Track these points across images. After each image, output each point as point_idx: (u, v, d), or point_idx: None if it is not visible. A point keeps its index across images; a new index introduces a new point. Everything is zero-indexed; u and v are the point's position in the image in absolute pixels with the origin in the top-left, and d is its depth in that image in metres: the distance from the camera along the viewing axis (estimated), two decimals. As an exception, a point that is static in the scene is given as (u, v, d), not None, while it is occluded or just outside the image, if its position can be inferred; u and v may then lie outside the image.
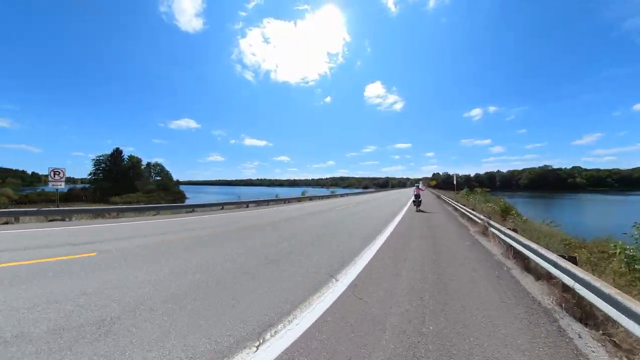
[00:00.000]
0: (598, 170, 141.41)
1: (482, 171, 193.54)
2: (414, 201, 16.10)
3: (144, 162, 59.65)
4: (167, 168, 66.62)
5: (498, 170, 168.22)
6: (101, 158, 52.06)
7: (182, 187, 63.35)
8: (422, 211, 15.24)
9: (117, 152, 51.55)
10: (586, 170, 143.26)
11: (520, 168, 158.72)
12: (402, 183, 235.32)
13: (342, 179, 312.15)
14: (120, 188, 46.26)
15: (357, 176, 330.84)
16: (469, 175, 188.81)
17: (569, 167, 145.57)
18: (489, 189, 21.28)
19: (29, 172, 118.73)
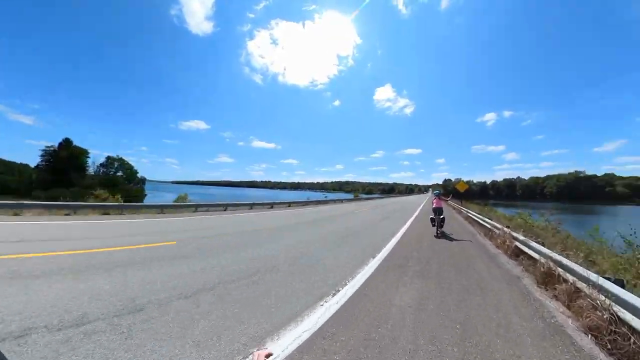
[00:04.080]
0: (638, 178, 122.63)
1: (493, 179, 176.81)
2: (432, 218, 9.23)
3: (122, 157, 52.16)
4: (177, 167, 59.07)
5: (519, 177, 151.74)
6: (49, 149, 44.46)
7: (188, 188, 55.73)
8: (450, 238, 8.28)
9: (66, 143, 43.80)
10: (622, 178, 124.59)
11: (536, 175, 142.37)
12: (410, 189, 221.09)
13: (347, 183, 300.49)
14: (60, 182, 38.39)
15: (364, 181, 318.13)
16: (485, 182, 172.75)
17: (598, 174, 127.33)
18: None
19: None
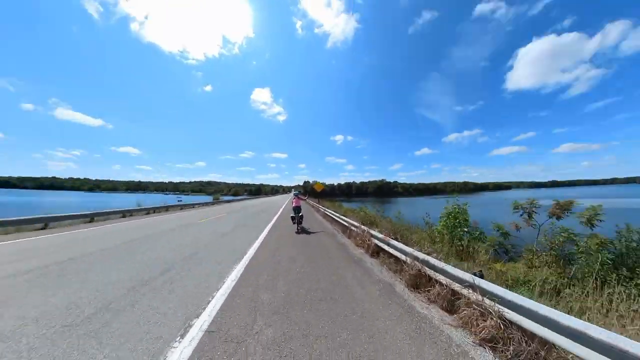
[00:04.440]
0: (409, 184, 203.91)
1: (338, 182, 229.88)
2: (292, 217, 9.97)
3: None
4: None
5: (353, 181, 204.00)
6: None
7: None
8: (308, 232, 9.11)
9: None
10: (400, 183, 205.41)
11: (362, 180, 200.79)
12: (275, 190, 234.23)
13: (210, 183, 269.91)
14: None
15: (230, 182, 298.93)
16: (333, 184, 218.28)
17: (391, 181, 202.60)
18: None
19: None
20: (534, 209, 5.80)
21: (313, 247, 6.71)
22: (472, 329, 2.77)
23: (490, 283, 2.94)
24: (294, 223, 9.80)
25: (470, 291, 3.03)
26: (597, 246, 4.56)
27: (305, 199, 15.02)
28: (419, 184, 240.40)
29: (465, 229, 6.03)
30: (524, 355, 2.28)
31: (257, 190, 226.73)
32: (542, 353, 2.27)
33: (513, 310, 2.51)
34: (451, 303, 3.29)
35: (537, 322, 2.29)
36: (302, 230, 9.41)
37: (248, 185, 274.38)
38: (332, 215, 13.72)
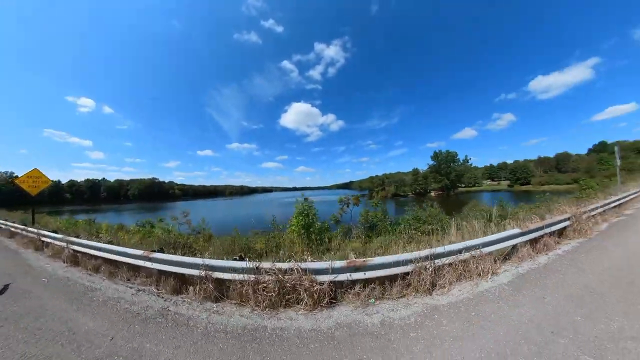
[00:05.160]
0: (186, 185, 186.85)
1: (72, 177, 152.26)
2: None
3: None
4: None
5: (104, 179, 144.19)
6: None
7: None
8: None
9: None
10: (177, 184, 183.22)
11: (126, 179, 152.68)
12: None
13: None
14: None
15: None
16: (59, 181, 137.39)
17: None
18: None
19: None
20: (348, 201, 8.45)
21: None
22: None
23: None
24: None
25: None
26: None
27: None
28: (200, 185, 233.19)
29: (319, 223, 7.14)
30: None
31: None
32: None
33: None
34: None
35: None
36: None
37: None
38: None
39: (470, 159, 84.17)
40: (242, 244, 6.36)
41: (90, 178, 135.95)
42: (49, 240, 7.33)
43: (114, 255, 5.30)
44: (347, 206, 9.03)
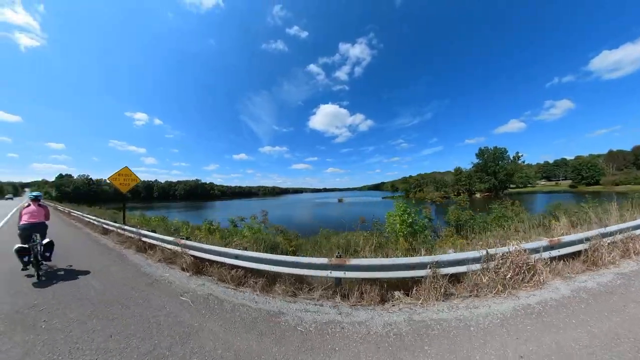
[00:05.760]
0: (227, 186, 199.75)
1: None
2: (21, 248, 4.87)
3: None
4: None
5: (156, 180, 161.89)
6: None
7: None
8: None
9: None
10: (217, 185, 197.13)
11: (173, 180, 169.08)
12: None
13: None
14: None
15: None
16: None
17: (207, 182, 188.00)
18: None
19: None
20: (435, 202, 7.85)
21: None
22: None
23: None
24: (24, 262, 4.90)
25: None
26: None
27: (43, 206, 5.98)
28: (236, 186, 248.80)
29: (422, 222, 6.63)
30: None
31: None
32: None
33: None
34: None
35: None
36: (53, 276, 4.83)
37: None
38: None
39: (521, 155, 75.83)
40: (340, 244, 6.13)
41: (146, 180, 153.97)
42: (150, 241, 6.34)
43: (272, 266, 4.03)
44: (435, 205, 8.45)
